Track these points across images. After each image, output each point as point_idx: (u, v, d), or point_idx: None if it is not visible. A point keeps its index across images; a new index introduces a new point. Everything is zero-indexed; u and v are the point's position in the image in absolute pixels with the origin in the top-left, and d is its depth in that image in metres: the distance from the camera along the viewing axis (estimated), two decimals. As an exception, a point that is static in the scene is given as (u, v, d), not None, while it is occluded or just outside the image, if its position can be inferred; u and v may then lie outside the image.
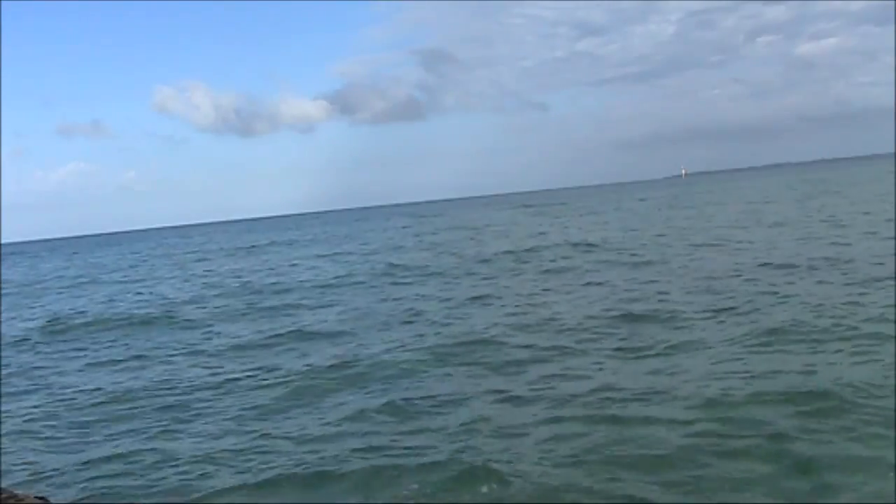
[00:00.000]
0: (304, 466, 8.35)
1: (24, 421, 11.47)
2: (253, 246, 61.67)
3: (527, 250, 31.62)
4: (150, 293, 29.32)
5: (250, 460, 8.71)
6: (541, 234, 42.95)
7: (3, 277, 49.23)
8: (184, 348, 16.49)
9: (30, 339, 19.89)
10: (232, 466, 8.57)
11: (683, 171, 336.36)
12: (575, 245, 32.04)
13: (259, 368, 13.45)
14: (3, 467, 9.17)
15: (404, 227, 71.99)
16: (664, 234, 34.23)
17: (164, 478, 8.50)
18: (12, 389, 13.77)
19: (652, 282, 19.37)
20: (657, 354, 11.82)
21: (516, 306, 17.76)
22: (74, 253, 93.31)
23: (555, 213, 72.67)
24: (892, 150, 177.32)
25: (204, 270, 39.57)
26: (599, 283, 20.27)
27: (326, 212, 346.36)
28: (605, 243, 31.88)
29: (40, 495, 7.55)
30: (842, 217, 32.48)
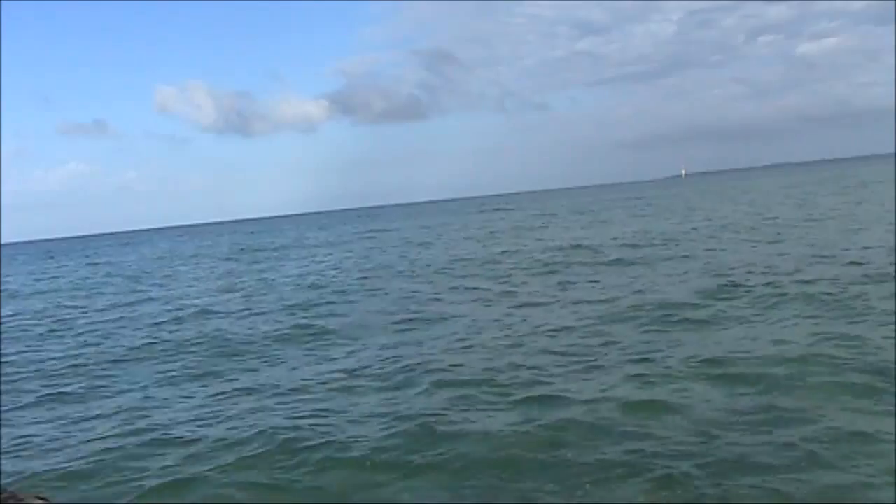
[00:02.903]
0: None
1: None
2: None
3: None
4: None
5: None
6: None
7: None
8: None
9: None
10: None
11: (683, 171, 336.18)
12: None
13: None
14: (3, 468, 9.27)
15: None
16: None
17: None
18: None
19: None
20: None
21: None
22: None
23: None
24: (893, 150, 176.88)
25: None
26: None
27: (329, 211, 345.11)
28: None
29: (40, 495, 7.68)
30: None
